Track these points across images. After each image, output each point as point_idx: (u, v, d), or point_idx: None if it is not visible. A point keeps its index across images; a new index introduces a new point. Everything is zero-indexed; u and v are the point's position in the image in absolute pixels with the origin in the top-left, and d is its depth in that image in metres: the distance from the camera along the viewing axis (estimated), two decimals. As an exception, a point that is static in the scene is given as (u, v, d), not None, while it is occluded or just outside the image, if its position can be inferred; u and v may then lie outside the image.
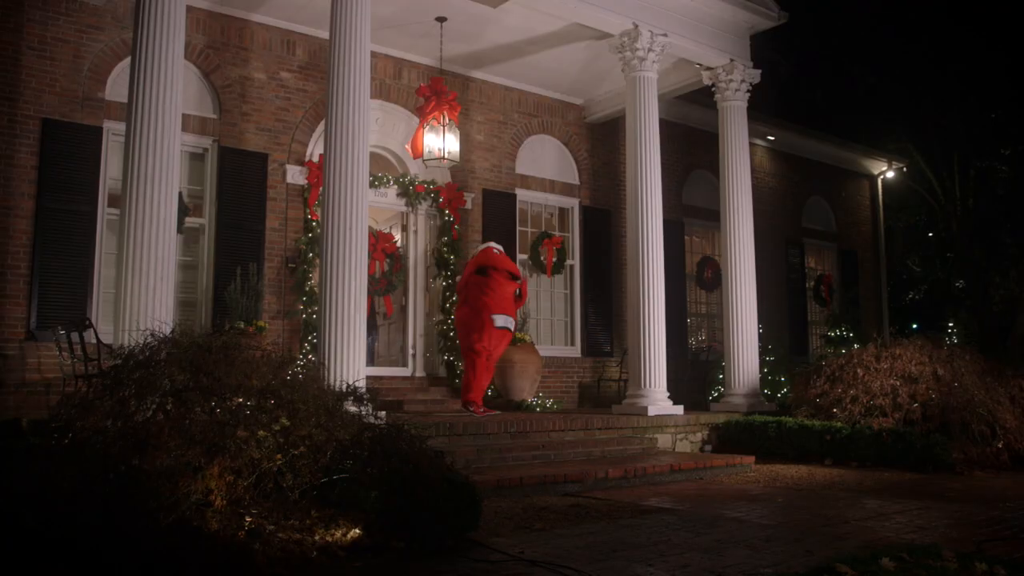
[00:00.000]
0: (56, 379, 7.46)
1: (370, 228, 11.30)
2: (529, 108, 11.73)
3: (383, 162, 10.57)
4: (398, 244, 10.63)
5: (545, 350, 11.07)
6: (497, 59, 10.81)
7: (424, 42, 10.16)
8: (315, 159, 9.55)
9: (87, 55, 8.37)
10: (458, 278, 9.85)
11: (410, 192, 10.40)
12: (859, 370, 8.97)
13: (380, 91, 10.19)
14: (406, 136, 10.35)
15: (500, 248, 8.99)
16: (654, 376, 9.34)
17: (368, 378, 7.34)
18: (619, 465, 7.12)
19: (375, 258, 10.15)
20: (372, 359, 10.69)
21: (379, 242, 10.18)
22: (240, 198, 9.11)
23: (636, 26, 9.58)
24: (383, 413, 5.25)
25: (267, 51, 9.53)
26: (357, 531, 4.25)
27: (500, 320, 8.49)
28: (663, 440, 8.88)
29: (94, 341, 6.75)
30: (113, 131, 8.39)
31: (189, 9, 7.82)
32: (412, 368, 10.35)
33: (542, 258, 11.47)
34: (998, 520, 5.30)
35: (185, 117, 8.29)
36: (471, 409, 8.51)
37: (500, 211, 11.17)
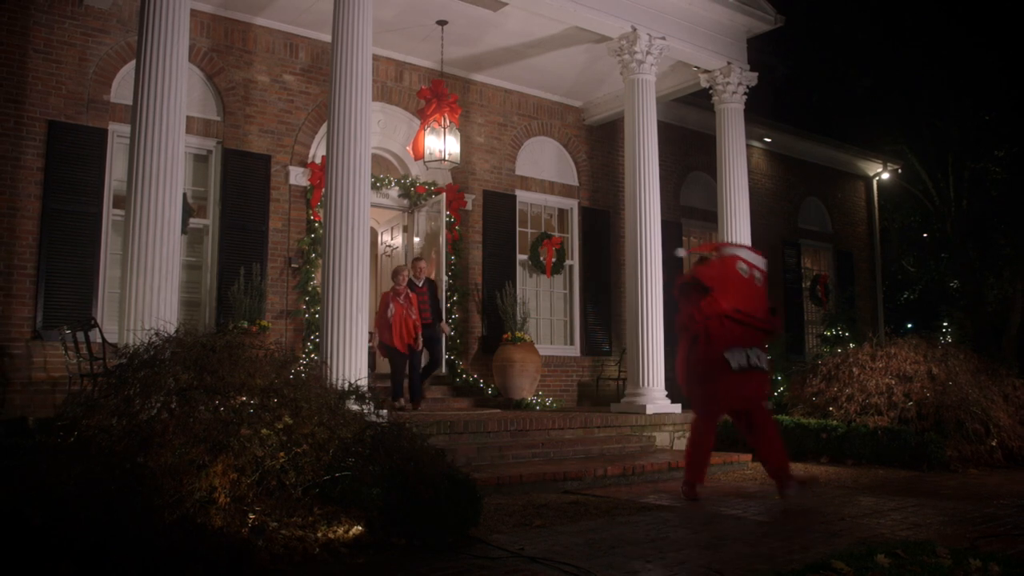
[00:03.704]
0: (62, 378, 7.53)
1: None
2: (529, 110, 11.80)
3: (384, 163, 10.63)
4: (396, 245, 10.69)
5: (544, 349, 11.14)
6: (497, 62, 10.87)
7: (425, 45, 10.22)
8: (317, 160, 9.62)
9: (92, 58, 8.43)
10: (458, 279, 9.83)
11: (411, 193, 10.47)
12: (855, 369, 9.02)
13: (382, 93, 10.26)
14: (407, 138, 10.42)
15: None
16: (652, 375, 9.41)
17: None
18: (618, 463, 7.19)
19: None
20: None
21: None
22: (243, 199, 9.17)
23: (634, 29, 9.64)
24: (384, 411, 5.29)
25: (270, 54, 9.59)
26: (359, 528, 4.29)
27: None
28: (661, 438, 8.95)
29: (99, 340, 6.81)
30: (118, 133, 8.46)
31: (193, 13, 7.89)
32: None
33: (542, 258, 11.54)
34: (992, 517, 5.35)
35: (189, 119, 8.39)
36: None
37: (500, 212, 11.23)
